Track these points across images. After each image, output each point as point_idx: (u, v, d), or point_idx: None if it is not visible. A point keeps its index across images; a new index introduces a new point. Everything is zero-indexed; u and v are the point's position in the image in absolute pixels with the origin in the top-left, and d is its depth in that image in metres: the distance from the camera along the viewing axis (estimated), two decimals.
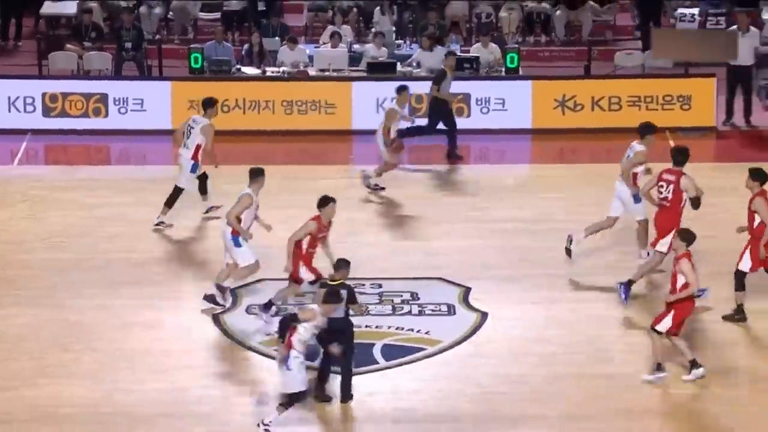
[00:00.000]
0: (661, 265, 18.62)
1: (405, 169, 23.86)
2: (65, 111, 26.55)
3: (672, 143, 24.28)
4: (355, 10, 29.97)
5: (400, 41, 28.64)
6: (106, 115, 26.59)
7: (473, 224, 21.67)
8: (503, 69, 26.56)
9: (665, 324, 16.42)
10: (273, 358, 16.25)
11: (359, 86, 26.22)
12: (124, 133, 26.39)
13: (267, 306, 17.90)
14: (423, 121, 24.57)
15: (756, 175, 18.27)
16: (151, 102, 26.56)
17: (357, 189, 22.59)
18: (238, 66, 27.45)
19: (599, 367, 17.14)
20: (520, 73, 26.53)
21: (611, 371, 17.02)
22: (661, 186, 18.60)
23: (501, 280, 19.55)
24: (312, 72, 27.11)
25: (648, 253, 19.13)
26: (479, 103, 26.10)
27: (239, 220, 18.02)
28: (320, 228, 17.53)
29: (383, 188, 22.77)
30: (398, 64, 26.92)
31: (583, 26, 28.74)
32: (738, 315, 18.13)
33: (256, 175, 18.29)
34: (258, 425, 15.20)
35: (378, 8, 29.66)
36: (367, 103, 25.89)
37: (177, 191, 21.31)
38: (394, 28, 29.12)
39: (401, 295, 18.86)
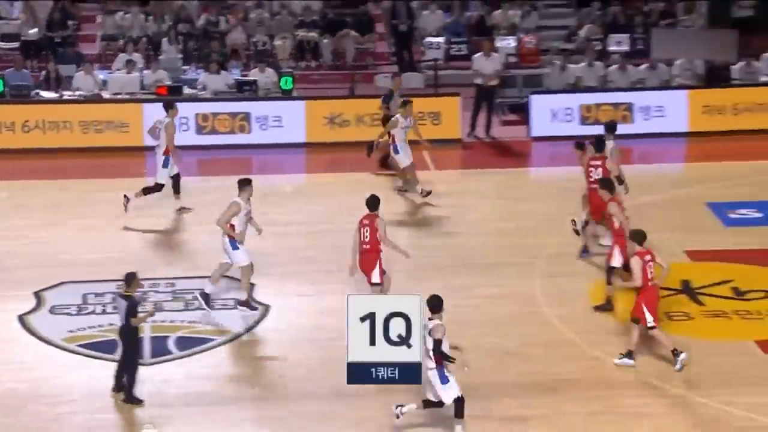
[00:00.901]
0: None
1: (192, 180, 23.50)
2: None
3: (426, 154, 24.64)
4: (144, 39, 29.42)
5: (186, 67, 28.24)
6: None
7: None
8: (279, 91, 26.49)
9: (649, 318, 16.17)
10: (77, 353, 15.78)
11: (149, 107, 25.72)
12: None
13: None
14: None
15: (603, 185, 18.23)
16: None
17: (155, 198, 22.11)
18: (37, 91, 26.70)
19: None
20: (294, 94, 26.45)
21: None
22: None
23: (282, 276, 19.43)
24: (106, 95, 26.60)
25: None
26: (258, 120, 25.88)
27: (232, 227, 17.71)
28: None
29: (429, 191, 21.97)
30: (184, 87, 26.54)
31: (347, 53, 28.82)
32: (608, 305, 17.96)
33: (244, 184, 17.94)
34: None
35: (165, 38, 29.21)
36: None
37: (158, 186, 21.19)
38: (180, 56, 28.70)
39: (192, 293, 18.54)
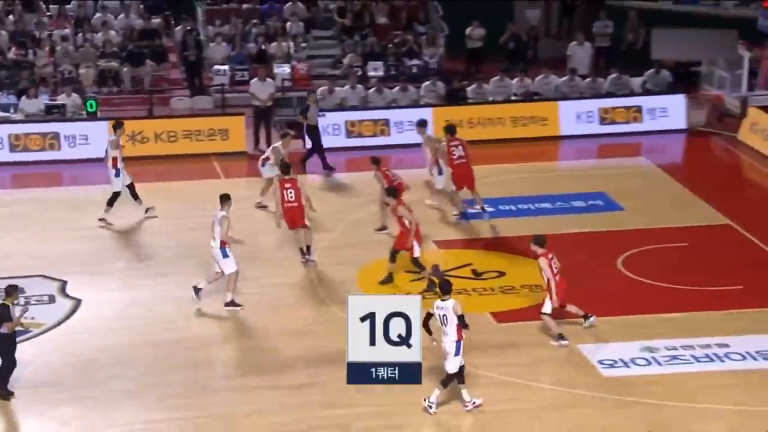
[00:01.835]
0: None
1: (9, 192, 22.82)
2: None
3: (217, 165, 24.57)
4: None
5: None
6: None
7: (70, 232, 21.02)
8: (85, 113, 25.96)
9: (547, 306, 16.23)
10: None
11: None
12: None
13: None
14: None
15: (389, 193, 18.60)
16: None
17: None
18: None
19: (168, 334, 17.05)
20: (99, 115, 25.96)
21: (178, 336, 16.98)
22: None
23: (92, 274, 19.14)
24: None
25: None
26: (67, 139, 25.32)
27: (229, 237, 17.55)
28: None
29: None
30: None
31: (144, 79, 28.46)
32: (389, 279, 18.26)
33: (227, 199, 17.68)
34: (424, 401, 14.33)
35: None
36: None
37: (114, 195, 21.05)
38: None
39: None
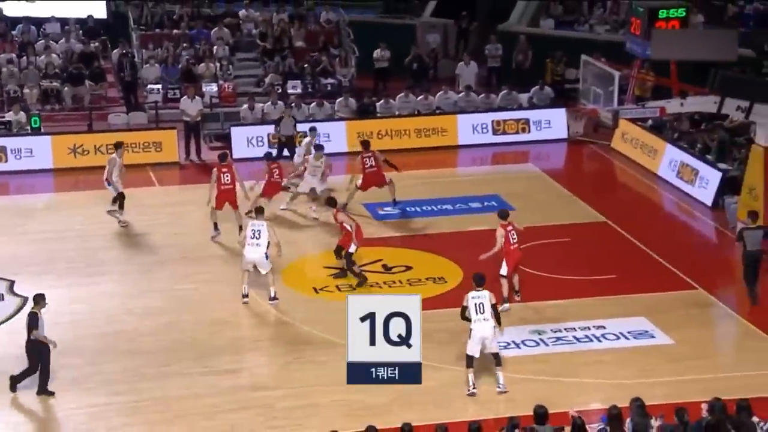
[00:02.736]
0: None
1: None
2: None
3: (152, 174, 24.26)
4: None
5: None
6: None
7: (16, 236, 20.65)
8: (30, 128, 25.47)
9: (504, 269, 16.89)
10: None
11: None
12: None
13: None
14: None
15: (329, 202, 18.74)
16: None
17: None
18: None
19: (109, 327, 16.85)
20: (42, 130, 25.48)
21: (118, 329, 16.78)
22: None
23: (38, 274, 18.79)
24: None
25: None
26: (13, 152, 24.78)
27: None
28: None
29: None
30: None
31: (84, 97, 27.97)
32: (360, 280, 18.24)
33: (262, 211, 17.87)
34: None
35: None
36: None
37: (119, 197, 20.76)
38: None
39: None
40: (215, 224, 20.11)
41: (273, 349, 16.31)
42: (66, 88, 27.85)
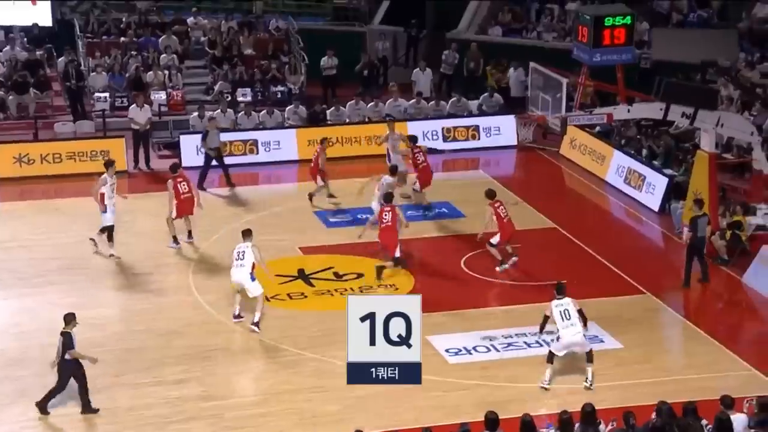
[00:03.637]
0: None
1: None
2: None
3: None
4: None
5: None
6: None
7: None
8: None
9: (495, 239, 18.68)
10: None
11: None
12: None
13: None
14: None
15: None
16: None
17: None
18: None
19: (55, 338, 16.53)
20: None
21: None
22: None
23: None
24: None
25: None
26: None
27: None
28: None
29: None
30: None
31: (29, 106, 27.59)
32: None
33: (249, 233, 17.12)
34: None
35: None
36: None
37: (108, 228, 19.74)
38: None
39: None
40: (174, 237, 19.89)
41: (223, 358, 16.22)
42: (11, 97, 27.50)
